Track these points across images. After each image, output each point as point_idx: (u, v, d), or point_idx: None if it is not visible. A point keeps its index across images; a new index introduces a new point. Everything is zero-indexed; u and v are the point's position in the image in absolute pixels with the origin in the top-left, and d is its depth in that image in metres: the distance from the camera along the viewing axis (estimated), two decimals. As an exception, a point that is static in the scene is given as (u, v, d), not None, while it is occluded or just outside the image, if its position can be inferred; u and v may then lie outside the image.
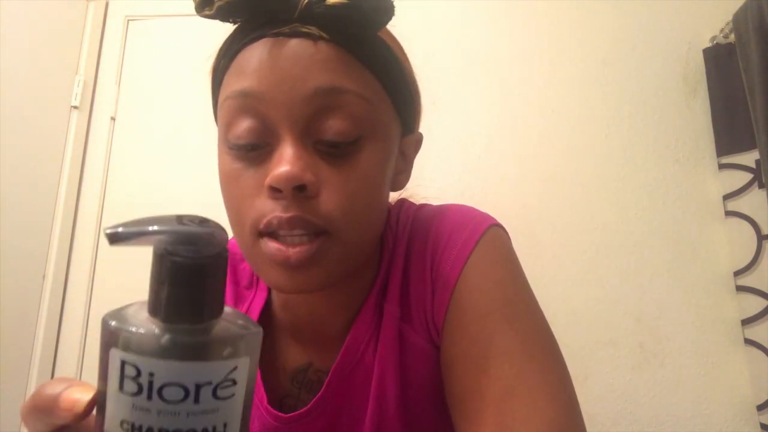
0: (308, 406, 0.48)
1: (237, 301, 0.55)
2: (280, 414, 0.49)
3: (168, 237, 0.21)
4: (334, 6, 0.39)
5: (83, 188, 1.62)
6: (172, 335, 0.21)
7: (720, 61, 1.35)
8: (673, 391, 1.27)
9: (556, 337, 0.45)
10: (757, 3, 1.22)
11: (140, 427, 0.20)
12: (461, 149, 1.46)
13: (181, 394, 0.20)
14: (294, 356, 0.52)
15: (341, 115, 0.40)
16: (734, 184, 1.29)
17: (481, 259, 0.46)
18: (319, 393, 0.48)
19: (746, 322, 1.23)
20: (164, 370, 0.20)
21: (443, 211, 0.52)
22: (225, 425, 0.21)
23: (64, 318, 1.54)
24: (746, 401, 1.22)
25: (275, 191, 0.39)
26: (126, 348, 0.21)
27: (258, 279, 0.56)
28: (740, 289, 1.26)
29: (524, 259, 0.50)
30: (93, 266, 1.57)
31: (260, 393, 0.50)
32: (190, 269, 0.21)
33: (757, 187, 1.25)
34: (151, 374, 0.20)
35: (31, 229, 1.49)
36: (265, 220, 0.40)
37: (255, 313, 0.53)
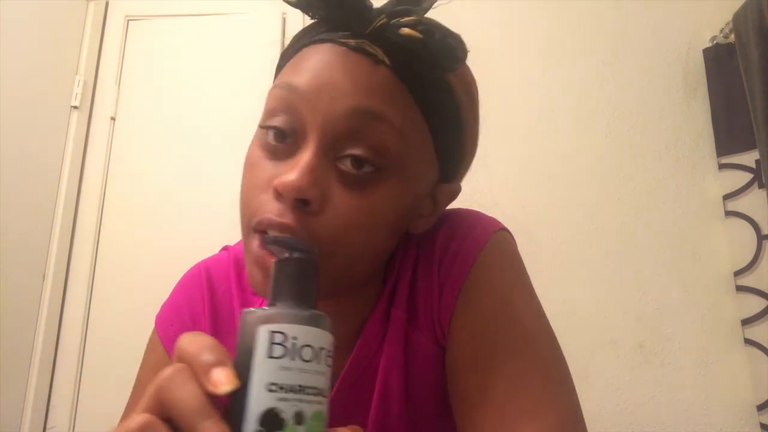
0: None
1: (244, 308, 0.54)
2: None
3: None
4: (404, 36, 0.39)
5: (83, 188, 1.62)
6: (306, 310, 0.30)
7: (720, 61, 1.35)
8: (673, 391, 1.27)
9: (557, 336, 0.45)
10: (757, 3, 1.22)
11: (284, 386, 0.26)
12: (461, 149, 1.46)
13: (311, 354, 0.27)
14: None
15: (369, 142, 0.39)
16: (734, 184, 1.29)
17: (487, 262, 0.47)
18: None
19: (746, 322, 1.23)
20: (302, 333, 0.28)
21: (451, 215, 0.52)
22: (328, 387, 0.28)
23: (64, 318, 1.53)
24: (746, 401, 1.22)
25: (278, 194, 0.39)
26: (275, 321, 0.28)
27: None
28: (740, 289, 1.26)
29: (524, 260, 0.50)
30: (93, 266, 1.57)
31: None
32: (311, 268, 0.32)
33: (757, 187, 1.25)
34: (295, 337, 0.27)
35: (31, 229, 1.48)
36: (259, 218, 0.39)
37: None
